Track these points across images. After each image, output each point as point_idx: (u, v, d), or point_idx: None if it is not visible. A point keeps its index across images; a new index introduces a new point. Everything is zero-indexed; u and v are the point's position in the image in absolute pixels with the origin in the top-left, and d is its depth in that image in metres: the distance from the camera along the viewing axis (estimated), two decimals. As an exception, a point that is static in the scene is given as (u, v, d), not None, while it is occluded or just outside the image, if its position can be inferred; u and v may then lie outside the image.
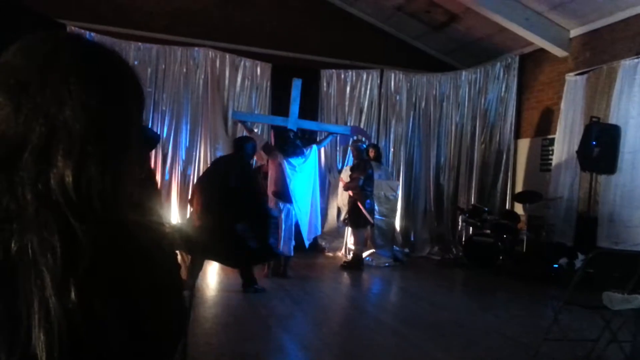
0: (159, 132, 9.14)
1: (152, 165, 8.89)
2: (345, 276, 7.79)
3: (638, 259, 4.26)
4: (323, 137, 7.89)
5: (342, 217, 9.06)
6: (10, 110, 0.64)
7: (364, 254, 8.26)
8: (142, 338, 0.65)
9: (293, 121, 8.42)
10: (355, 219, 7.89)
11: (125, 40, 8.78)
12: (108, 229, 0.64)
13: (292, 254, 6.87)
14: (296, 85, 8.34)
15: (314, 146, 7.38)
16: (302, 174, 6.94)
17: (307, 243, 7.10)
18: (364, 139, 8.72)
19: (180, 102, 9.34)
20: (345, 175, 8.54)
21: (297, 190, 6.81)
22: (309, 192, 7.07)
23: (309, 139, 7.81)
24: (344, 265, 8.15)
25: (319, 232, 7.88)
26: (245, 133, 7.71)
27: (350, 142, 8.71)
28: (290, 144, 6.92)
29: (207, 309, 5.26)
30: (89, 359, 0.61)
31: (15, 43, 0.70)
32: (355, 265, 7.98)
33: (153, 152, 8.98)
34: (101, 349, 0.61)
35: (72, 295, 0.59)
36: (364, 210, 7.80)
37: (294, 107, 8.30)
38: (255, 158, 7.37)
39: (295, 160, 6.83)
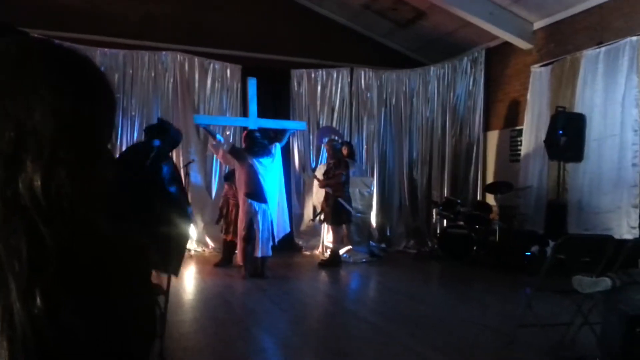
0: (128, 138, 9.03)
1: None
2: (323, 274, 7.82)
3: (605, 243, 4.37)
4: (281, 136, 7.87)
5: (317, 214, 9.07)
6: None
7: (341, 251, 8.30)
8: (111, 342, 0.65)
9: (253, 120, 8.41)
10: (336, 215, 7.91)
11: (91, 46, 8.65)
12: (76, 234, 0.64)
13: (270, 254, 6.86)
14: (251, 84, 8.37)
15: (277, 144, 7.37)
16: (271, 173, 6.95)
17: (275, 241, 7.09)
18: (337, 138, 8.76)
19: (150, 107, 9.24)
20: (319, 174, 8.56)
21: (269, 189, 6.82)
22: (277, 190, 7.09)
23: (273, 138, 7.79)
24: (321, 264, 8.18)
25: (288, 230, 7.87)
26: (210, 140, 7.68)
27: (325, 141, 8.74)
28: (258, 144, 6.92)
29: (184, 312, 5.23)
30: None
31: None
32: (334, 262, 8.02)
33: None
34: (69, 355, 0.61)
35: (38, 300, 0.59)
36: (346, 205, 7.85)
37: (252, 106, 8.31)
38: (221, 161, 7.36)
39: (264, 160, 6.83)
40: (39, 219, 0.62)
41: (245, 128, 7.99)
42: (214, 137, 7.47)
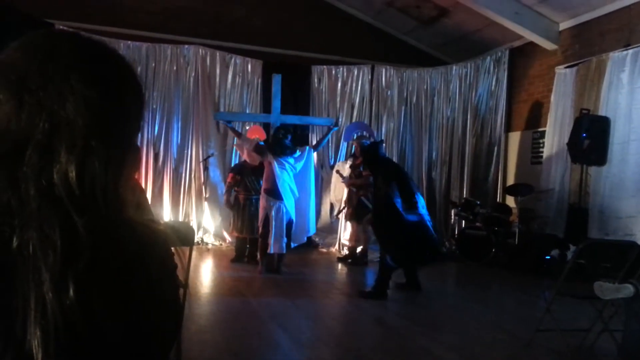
0: (149, 130, 9.12)
1: (143, 163, 8.88)
2: (339, 271, 7.82)
3: (628, 249, 4.30)
4: (317, 140, 7.86)
5: (335, 213, 9.07)
6: (13, 106, 0.64)
7: (358, 249, 8.29)
8: (138, 334, 0.66)
9: (276, 117, 8.45)
10: (362, 215, 7.85)
11: (114, 38, 8.73)
12: (109, 225, 0.65)
13: (285, 251, 6.86)
14: (276, 80, 8.43)
15: (309, 149, 7.34)
16: (293, 172, 6.92)
17: (292, 244, 7.08)
18: (367, 134, 8.73)
19: (171, 100, 9.31)
20: (342, 169, 8.53)
21: (286, 188, 6.80)
22: (294, 191, 7.01)
23: (301, 135, 7.79)
24: (340, 258, 8.20)
25: (311, 232, 7.88)
26: (236, 139, 7.71)
27: (355, 137, 8.73)
28: (278, 143, 6.93)
29: (201, 306, 5.26)
30: (86, 356, 0.61)
31: (13, 41, 0.70)
32: (361, 261, 8.02)
33: (144, 150, 8.97)
34: (98, 345, 0.62)
35: (70, 291, 0.59)
36: (368, 205, 7.82)
37: (276, 103, 8.34)
38: (247, 160, 7.40)
39: (283, 159, 6.83)
40: (72, 209, 0.62)
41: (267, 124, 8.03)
42: (239, 135, 7.53)
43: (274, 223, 6.73)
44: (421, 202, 6.09)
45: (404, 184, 6.03)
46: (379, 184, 6.05)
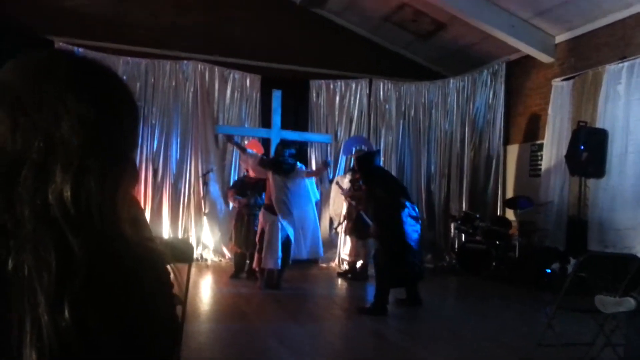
0: (148, 146, 9.12)
1: (142, 179, 8.89)
2: (339, 286, 7.79)
3: (628, 262, 4.29)
4: (310, 172, 7.83)
5: (335, 226, 9.05)
6: (8, 126, 0.64)
7: (358, 264, 8.25)
8: (134, 352, 0.65)
9: (276, 132, 8.47)
10: (362, 229, 7.81)
11: (114, 54, 8.77)
12: (104, 243, 0.65)
13: (279, 266, 6.81)
14: (276, 96, 8.50)
15: (300, 168, 7.27)
16: (291, 190, 6.90)
17: (289, 257, 7.03)
18: (366, 148, 8.75)
19: (170, 115, 9.32)
20: (343, 183, 8.53)
21: (283, 205, 6.80)
22: (298, 209, 6.99)
23: (299, 150, 7.80)
24: (340, 273, 8.18)
25: (320, 255, 7.86)
26: (240, 154, 7.74)
27: (353, 152, 8.74)
28: (276, 161, 6.99)
29: (201, 323, 5.22)
30: None
31: (8, 60, 0.71)
32: (361, 275, 7.99)
33: (143, 166, 8.97)
34: None
35: (66, 312, 0.59)
36: (367, 220, 7.79)
37: (276, 118, 8.38)
38: (252, 174, 7.43)
39: (280, 176, 6.84)
40: (67, 229, 0.62)
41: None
42: (244, 150, 7.55)
43: (267, 238, 6.73)
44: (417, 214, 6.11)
45: (404, 195, 6.04)
46: (379, 194, 6.04)
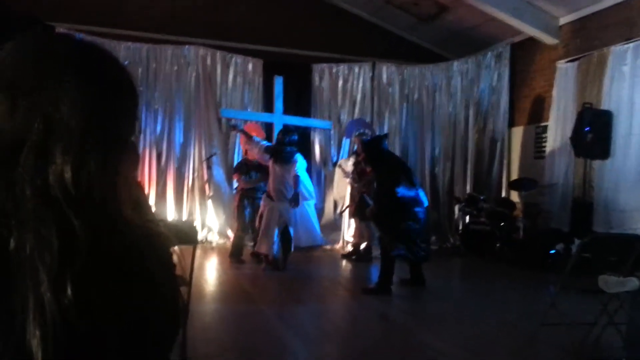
0: (151, 131, 9.12)
1: (146, 163, 8.92)
2: (344, 268, 7.82)
3: (633, 242, 4.29)
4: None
5: (339, 209, 9.08)
6: (7, 107, 0.64)
7: (362, 246, 8.28)
8: (137, 333, 0.66)
9: (278, 117, 8.45)
10: (362, 211, 7.84)
11: (115, 40, 8.75)
12: (106, 224, 0.65)
13: (275, 252, 6.85)
14: (278, 82, 8.51)
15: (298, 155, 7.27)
16: (287, 179, 6.94)
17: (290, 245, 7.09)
18: (367, 132, 8.74)
19: (173, 100, 9.31)
20: (346, 167, 8.53)
21: (280, 191, 6.85)
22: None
23: (302, 134, 7.81)
24: (344, 255, 8.23)
25: (319, 242, 7.89)
26: (246, 140, 7.73)
27: (354, 135, 8.73)
28: (274, 149, 7.07)
29: (206, 304, 5.27)
30: (85, 354, 0.61)
31: (6, 43, 0.70)
32: (366, 257, 8.03)
33: (147, 150, 8.99)
34: (97, 344, 0.62)
35: (68, 291, 0.60)
36: (370, 202, 7.81)
37: (278, 104, 8.36)
38: (260, 161, 7.45)
39: (279, 164, 6.88)
40: (69, 210, 0.62)
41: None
42: (250, 138, 7.54)
43: (264, 222, 6.79)
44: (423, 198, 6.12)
45: (408, 177, 6.04)
46: (383, 178, 6.05)
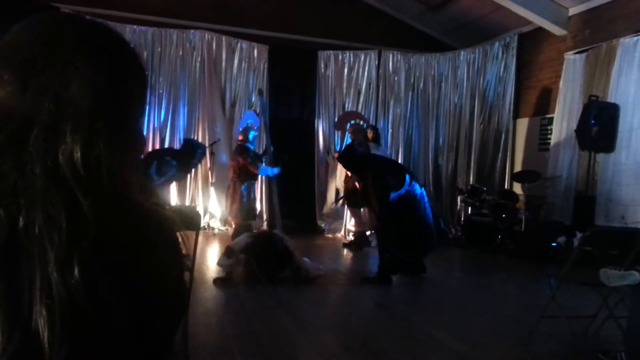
0: (156, 115, 9.11)
1: (149, 148, 8.92)
2: (344, 257, 7.83)
3: (635, 236, 4.28)
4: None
5: (337, 199, 9.11)
6: (17, 87, 0.65)
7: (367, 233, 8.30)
8: (144, 314, 0.66)
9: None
10: (355, 198, 7.88)
11: (120, 23, 8.70)
12: (114, 206, 0.65)
13: None
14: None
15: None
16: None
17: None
18: (362, 123, 8.72)
19: (177, 85, 9.30)
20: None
21: None
22: None
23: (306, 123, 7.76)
24: (346, 244, 8.28)
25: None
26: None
27: (349, 125, 8.70)
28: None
29: (207, 289, 5.29)
30: (92, 335, 0.61)
31: (16, 23, 0.70)
32: (360, 244, 8.05)
33: (151, 135, 8.98)
34: (103, 325, 0.62)
35: (75, 271, 0.60)
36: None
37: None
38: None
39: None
40: (78, 190, 0.63)
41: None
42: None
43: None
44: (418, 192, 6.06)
45: (396, 173, 5.95)
46: (370, 186, 5.98)
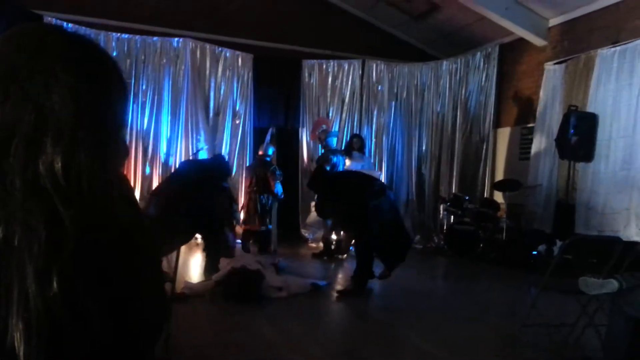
0: (139, 123, 9.04)
1: (132, 157, 8.87)
2: (327, 267, 7.82)
3: (613, 245, 4.35)
4: None
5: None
6: None
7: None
8: (123, 327, 0.66)
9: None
10: (320, 208, 7.85)
11: (104, 30, 8.67)
12: (94, 217, 0.65)
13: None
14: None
15: None
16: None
17: None
18: (325, 127, 8.86)
19: (161, 93, 9.25)
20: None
21: None
22: None
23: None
24: (315, 254, 8.31)
25: None
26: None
27: (319, 132, 8.77)
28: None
29: (189, 299, 5.25)
30: (69, 348, 0.61)
31: (1, 32, 0.70)
32: (326, 253, 8.10)
33: (133, 144, 8.91)
34: (81, 337, 0.61)
35: (54, 284, 0.59)
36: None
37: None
38: None
39: None
40: (58, 201, 0.62)
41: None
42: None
43: None
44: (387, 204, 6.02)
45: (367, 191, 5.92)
46: (345, 209, 5.95)
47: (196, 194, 5.14)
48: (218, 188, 6.14)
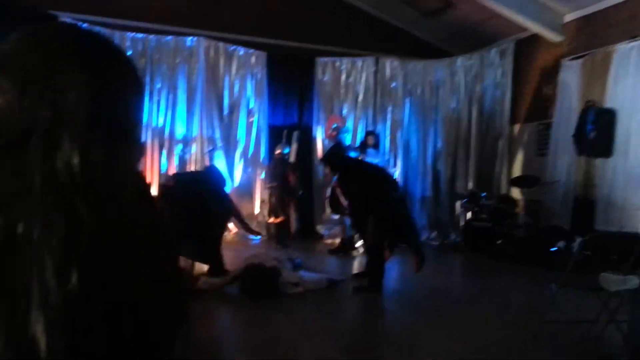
0: (154, 122, 9.11)
1: (148, 155, 8.95)
2: (344, 263, 7.82)
3: (634, 241, 4.29)
4: None
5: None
6: (15, 95, 0.65)
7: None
8: (142, 324, 0.66)
9: None
10: (335, 204, 7.87)
11: (118, 30, 8.73)
12: (111, 214, 0.65)
13: None
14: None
15: None
16: None
17: None
18: (339, 124, 8.89)
19: (175, 92, 9.30)
20: None
21: None
22: None
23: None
24: (331, 250, 8.31)
25: None
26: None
27: (331, 129, 8.79)
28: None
29: (206, 295, 5.26)
30: (88, 343, 0.61)
31: (15, 32, 0.71)
32: (342, 249, 8.08)
33: (149, 142, 8.99)
34: (100, 333, 0.62)
35: (73, 278, 0.60)
36: (341, 198, 7.72)
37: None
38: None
39: None
40: (76, 197, 0.62)
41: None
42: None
43: None
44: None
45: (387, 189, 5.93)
46: (354, 190, 5.93)
47: (194, 205, 5.24)
48: (214, 200, 6.14)
